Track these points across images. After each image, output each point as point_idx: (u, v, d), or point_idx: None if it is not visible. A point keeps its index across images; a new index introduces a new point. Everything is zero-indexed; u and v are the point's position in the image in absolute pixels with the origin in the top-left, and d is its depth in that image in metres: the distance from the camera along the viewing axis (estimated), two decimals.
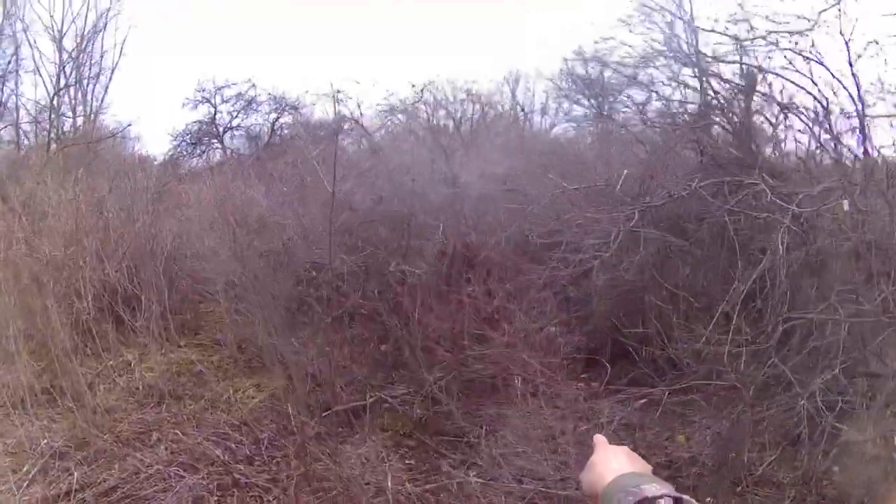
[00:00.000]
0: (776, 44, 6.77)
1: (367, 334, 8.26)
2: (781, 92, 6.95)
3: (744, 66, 7.51)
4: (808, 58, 6.47)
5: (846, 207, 5.70)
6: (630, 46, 8.74)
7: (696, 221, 7.47)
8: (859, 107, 6.27)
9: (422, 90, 9.29)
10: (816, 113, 6.56)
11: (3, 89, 17.30)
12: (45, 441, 7.17)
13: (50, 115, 17.15)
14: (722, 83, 7.69)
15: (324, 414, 7.40)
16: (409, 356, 7.56)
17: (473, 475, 6.11)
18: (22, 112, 17.91)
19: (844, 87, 6.33)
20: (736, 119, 7.63)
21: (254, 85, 17.81)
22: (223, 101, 18.40)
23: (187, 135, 18.86)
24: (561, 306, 7.88)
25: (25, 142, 17.62)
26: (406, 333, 7.56)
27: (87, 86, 18.07)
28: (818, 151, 7.01)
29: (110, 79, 17.76)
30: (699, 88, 8.34)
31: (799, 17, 6.58)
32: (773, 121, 7.40)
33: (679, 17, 8.49)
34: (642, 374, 7.12)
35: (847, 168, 6.37)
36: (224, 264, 8.41)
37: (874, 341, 5.52)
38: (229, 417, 7.86)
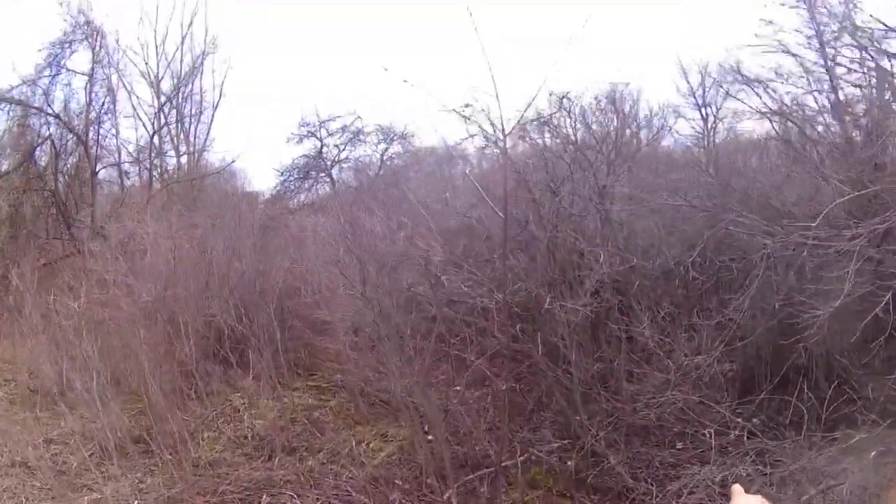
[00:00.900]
0: None
1: (512, 380, 7.46)
2: None
3: None
4: None
5: None
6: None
7: None
8: None
9: (561, 99, 8.49)
10: None
11: (98, 130, 17.25)
12: (137, 502, 6.35)
13: (150, 154, 17.30)
14: None
15: (465, 478, 6.61)
16: (564, 403, 6.93)
17: None
18: (123, 153, 18.07)
19: None
20: None
21: (359, 116, 17.27)
22: (328, 135, 17.98)
23: (294, 169, 18.46)
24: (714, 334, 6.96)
25: (127, 182, 17.82)
26: (561, 377, 6.92)
27: (189, 125, 18.12)
28: None
29: (212, 118, 18.22)
30: None
31: None
32: None
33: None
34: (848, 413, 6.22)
35: None
36: (349, 303, 7.04)
37: None
38: (353, 474, 6.97)
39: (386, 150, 17.69)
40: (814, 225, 6.03)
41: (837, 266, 6.01)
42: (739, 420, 6.58)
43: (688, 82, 13.78)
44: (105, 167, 17.41)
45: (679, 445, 6.69)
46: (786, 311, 6.62)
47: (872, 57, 6.91)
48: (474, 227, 7.77)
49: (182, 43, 17.50)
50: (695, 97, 14.07)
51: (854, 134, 7.51)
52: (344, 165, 18.34)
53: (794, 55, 7.45)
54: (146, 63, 17.13)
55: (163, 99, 17.18)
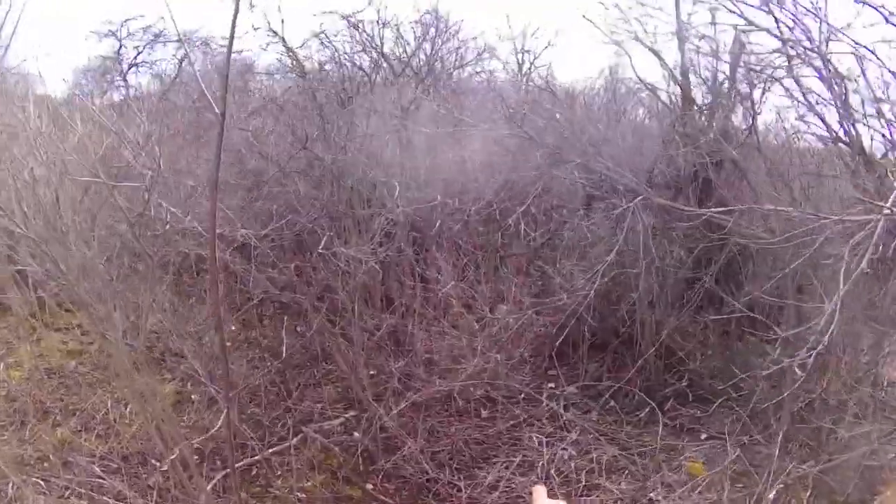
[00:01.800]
0: None
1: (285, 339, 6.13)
2: None
3: None
4: None
5: None
6: None
7: None
8: None
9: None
10: None
11: None
12: None
13: None
14: None
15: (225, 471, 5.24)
16: (346, 368, 5.75)
17: None
18: None
19: None
20: None
21: (162, 17, 15.00)
22: (129, 35, 15.66)
23: (89, 71, 15.88)
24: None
25: None
26: (342, 337, 5.74)
27: None
28: None
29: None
30: None
31: None
32: None
33: None
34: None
35: None
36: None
37: None
38: (109, 448, 5.65)
39: (185, 55, 15.48)
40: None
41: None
42: (556, 391, 6.13)
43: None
44: None
45: (486, 420, 5.96)
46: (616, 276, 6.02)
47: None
48: (252, 145, 6.11)
49: None
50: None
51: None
52: (141, 70, 16.09)
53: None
54: None
55: None
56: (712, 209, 5.29)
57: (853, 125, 4.92)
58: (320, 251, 5.29)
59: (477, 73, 7.42)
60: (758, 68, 5.52)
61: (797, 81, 5.16)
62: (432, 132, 6.39)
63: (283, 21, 6.53)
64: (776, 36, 4.99)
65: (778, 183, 5.65)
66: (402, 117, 6.27)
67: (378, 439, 5.36)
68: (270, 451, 5.41)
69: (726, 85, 6.32)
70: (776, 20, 4.89)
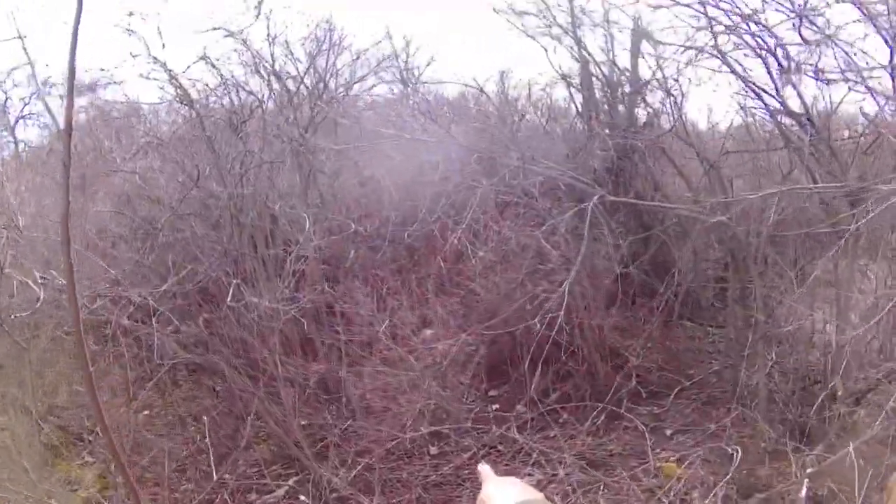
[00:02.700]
0: None
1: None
2: None
3: None
4: None
5: None
6: None
7: None
8: None
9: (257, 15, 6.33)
10: None
11: None
12: None
13: None
14: None
15: None
16: (280, 431, 5.27)
17: None
18: None
19: None
20: None
21: (47, 64, 14.18)
22: (14, 86, 14.79)
23: None
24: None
25: None
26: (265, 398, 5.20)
27: None
28: None
29: None
30: None
31: None
32: None
33: None
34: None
35: None
36: None
37: None
38: None
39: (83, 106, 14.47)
40: None
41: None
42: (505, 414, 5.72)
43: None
44: None
45: (438, 457, 5.49)
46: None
47: None
48: (140, 189, 5.51)
49: None
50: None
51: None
52: (28, 122, 15.19)
53: None
54: None
55: None
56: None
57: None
58: (229, 304, 4.89)
59: (370, 87, 6.78)
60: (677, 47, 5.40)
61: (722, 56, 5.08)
62: (338, 150, 6.22)
63: (164, 45, 5.80)
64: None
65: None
66: (299, 140, 5.59)
67: None
68: None
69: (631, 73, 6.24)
70: None
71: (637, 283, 6.08)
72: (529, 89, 7.06)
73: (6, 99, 15.51)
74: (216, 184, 5.71)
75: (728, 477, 4.45)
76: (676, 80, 5.72)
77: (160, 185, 6.18)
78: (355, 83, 6.72)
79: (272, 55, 6.32)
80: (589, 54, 6.20)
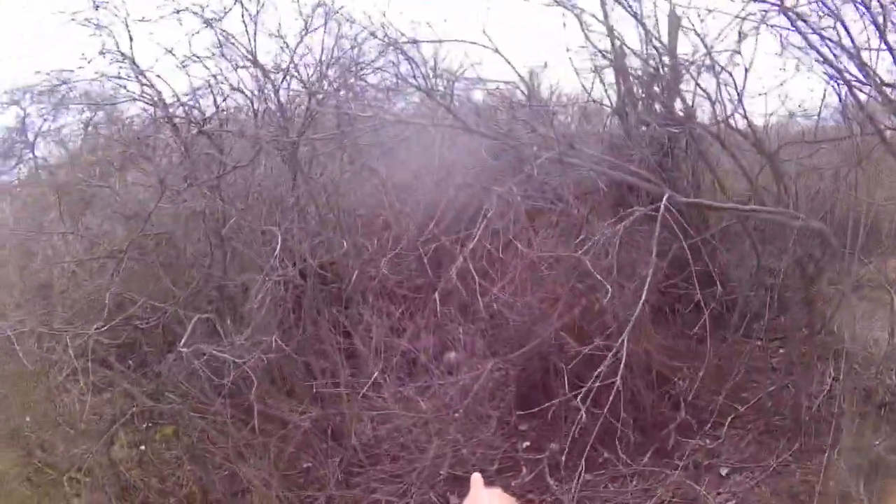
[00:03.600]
0: None
1: None
2: None
3: None
4: None
5: None
6: None
7: None
8: None
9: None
10: None
11: None
12: None
13: None
14: None
15: None
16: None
17: None
18: None
19: None
20: None
21: (64, 82, 13.48)
22: (32, 102, 14.11)
23: None
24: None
25: None
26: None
27: None
28: None
29: None
30: None
31: None
32: None
33: None
34: None
35: None
36: None
37: None
38: None
39: (91, 118, 13.79)
40: None
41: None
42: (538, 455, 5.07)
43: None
44: None
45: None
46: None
47: None
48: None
49: None
50: None
51: None
52: (47, 138, 14.64)
53: None
54: None
55: None
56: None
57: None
58: (181, 349, 4.47)
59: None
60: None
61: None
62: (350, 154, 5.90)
63: (131, 38, 5.36)
64: None
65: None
66: (293, 143, 5.18)
67: None
68: None
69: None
70: None
71: (683, 294, 5.47)
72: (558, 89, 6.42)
73: (25, 116, 15.18)
74: (190, 196, 5.21)
75: None
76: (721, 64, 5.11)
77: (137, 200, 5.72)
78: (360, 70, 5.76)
79: (254, 43, 5.62)
80: (623, 43, 5.64)
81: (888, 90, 4.40)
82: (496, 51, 5.10)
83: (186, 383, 4.88)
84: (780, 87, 5.16)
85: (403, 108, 6.38)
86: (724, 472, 4.81)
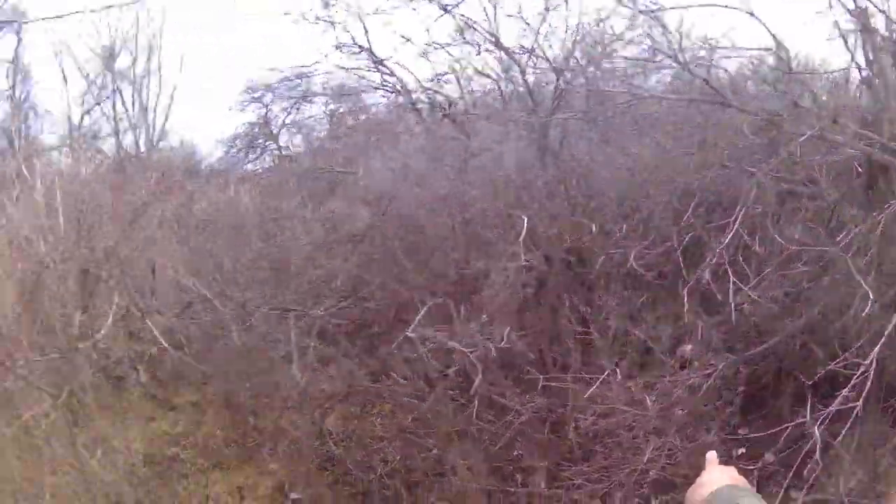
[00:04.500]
0: None
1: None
2: None
3: None
4: None
5: None
6: None
7: None
8: None
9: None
10: None
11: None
12: None
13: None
14: None
15: None
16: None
17: None
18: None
19: None
20: None
21: (306, 75, 14.71)
22: (274, 99, 15.65)
23: (237, 138, 16.31)
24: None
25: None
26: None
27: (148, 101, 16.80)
28: None
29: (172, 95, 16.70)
30: None
31: None
32: None
33: None
34: None
35: None
36: None
37: None
38: None
39: (337, 109, 14.66)
40: None
41: None
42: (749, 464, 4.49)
43: None
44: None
45: None
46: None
47: None
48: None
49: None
50: None
51: None
52: (291, 130, 16.00)
53: None
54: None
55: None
56: None
57: None
58: (409, 333, 4.63)
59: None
60: None
61: None
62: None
63: (366, 31, 5.68)
64: None
65: None
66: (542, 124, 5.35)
67: None
68: None
69: None
70: None
71: None
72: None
73: (267, 111, 16.98)
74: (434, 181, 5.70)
75: None
76: None
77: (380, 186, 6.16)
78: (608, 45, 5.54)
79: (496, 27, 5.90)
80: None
81: None
82: (751, 14, 4.76)
83: (410, 367, 5.25)
84: None
85: (656, 84, 6.33)
86: None
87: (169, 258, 7.22)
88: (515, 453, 5.26)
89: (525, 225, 4.86)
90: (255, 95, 17.53)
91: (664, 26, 5.26)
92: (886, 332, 3.83)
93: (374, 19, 5.77)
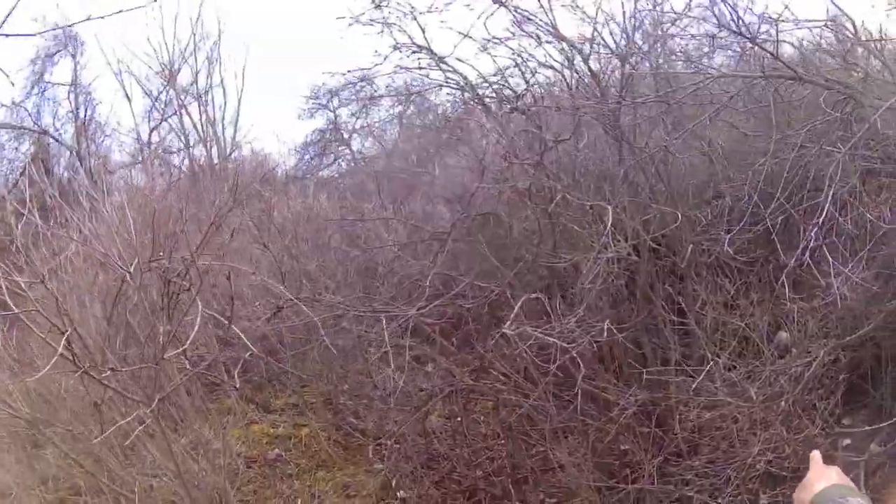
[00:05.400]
0: None
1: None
2: None
3: None
4: None
5: None
6: None
7: None
8: None
9: None
10: None
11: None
12: None
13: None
14: None
15: None
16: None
17: None
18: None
19: None
20: None
21: (369, 78, 14.67)
22: (340, 105, 15.92)
23: (309, 146, 17.31)
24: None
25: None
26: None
27: (215, 114, 17.45)
28: None
29: (239, 104, 17.38)
30: None
31: None
32: None
33: None
34: None
35: None
36: None
37: None
38: None
39: (404, 111, 14.65)
40: None
41: None
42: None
43: None
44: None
45: None
46: None
47: None
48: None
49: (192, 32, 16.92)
50: None
51: None
52: (361, 134, 16.23)
53: None
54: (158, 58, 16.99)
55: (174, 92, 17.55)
56: None
57: None
58: (505, 330, 4.47)
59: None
60: None
61: None
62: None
63: (423, 29, 5.57)
64: None
65: None
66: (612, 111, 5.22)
67: None
68: None
69: None
70: None
71: None
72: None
73: (335, 116, 17.02)
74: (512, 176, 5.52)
75: None
76: None
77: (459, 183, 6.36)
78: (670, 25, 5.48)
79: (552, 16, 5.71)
80: None
81: None
82: None
83: (509, 365, 5.22)
84: None
85: (724, 63, 6.11)
86: None
87: (253, 265, 7.45)
88: (622, 448, 5.19)
89: (611, 215, 4.70)
90: (322, 102, 17.94)
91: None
92: None
93: (430, 18, 5.70)
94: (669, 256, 5.49)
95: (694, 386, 4.57)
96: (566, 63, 5.94)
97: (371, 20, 5.79)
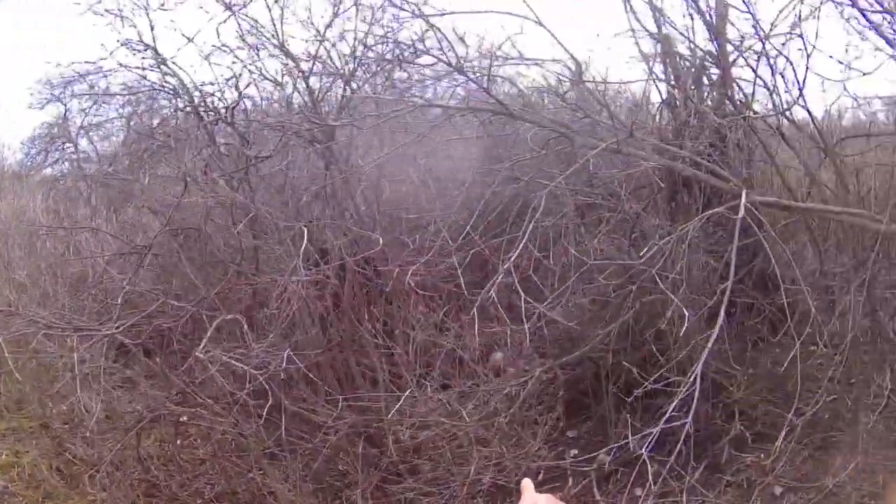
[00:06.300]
0: None
1: None
2: None
3: None
4: None
5: None
6: None
7: None
8: None
9: None
10: None
11: None
12: None
13: None
14: None
15: None
16: None
17: None
18: None
19: None
20: None
21: (99, 73, 13.58)
22: (73, 96, 14.45)
23: (35, 140, 15.11)
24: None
25: None
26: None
27: None
28: None
29: None
30: None
31: None
32: None
33: None
34: None
35: None
36: None
37: None
38: None
39: (133, 112, 13.68)
40: None
41: None
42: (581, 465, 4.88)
43: None
44: None
45: None
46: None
47: None
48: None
49: None
50: None
51: None
52: (91, 133, 14.88)
53: None
54: None
55: None
56: None
57: None
58: (197, 354, 4.42)
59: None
60: None
61: None
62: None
63: (152, 27, 5.32)
64: None
65: None
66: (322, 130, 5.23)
67: None
68: None
69: None
70: None
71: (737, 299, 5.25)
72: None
73: (66, 110, 15.66)
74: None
75: None
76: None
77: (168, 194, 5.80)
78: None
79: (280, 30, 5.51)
80: (672, 26, 5.30)
81: None
82: (538, 22, 4.59)
83: (207, 389, 4.95)
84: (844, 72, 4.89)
85: (447, 95, 6.10)
86: (777, 491, 4.62)
87: None
88: (340, 469, 5.12)
89: (306, 236, 4.62)
90: (54, 93, 16.47)
91: (437, 28, 4.98)
92: (707, 348, 3.76)
93: (162, 16, 5.43)
94: (376, 279, 5.45)
95: (397, 406, 4.54)
96: (286, 79, 5.68)
97: (107, 10, 5.41)
